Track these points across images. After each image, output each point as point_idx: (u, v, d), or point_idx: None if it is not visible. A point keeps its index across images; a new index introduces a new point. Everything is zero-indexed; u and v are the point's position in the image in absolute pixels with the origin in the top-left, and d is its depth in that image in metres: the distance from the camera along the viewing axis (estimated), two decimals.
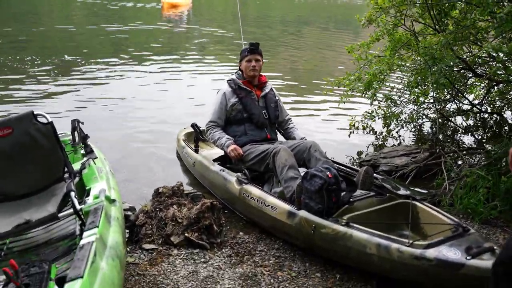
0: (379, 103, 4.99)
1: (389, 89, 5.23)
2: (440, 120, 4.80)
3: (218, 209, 2.92)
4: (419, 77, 4.25)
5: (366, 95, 4.54)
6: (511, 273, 1.32)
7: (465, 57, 4.13)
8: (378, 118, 5.05)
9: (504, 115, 4.99)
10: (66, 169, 2.53)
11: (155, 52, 10.04)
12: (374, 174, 2.89)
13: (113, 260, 1.77)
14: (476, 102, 5.00)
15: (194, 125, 3.90)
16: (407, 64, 4.49)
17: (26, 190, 2.49)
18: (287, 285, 2.46)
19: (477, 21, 3.72)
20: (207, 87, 6.95)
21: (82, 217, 2.13)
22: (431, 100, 4.88)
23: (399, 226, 2.60)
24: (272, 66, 9.07)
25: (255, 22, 17.77)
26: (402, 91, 5.06)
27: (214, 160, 3.61)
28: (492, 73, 3.89)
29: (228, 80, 3.50)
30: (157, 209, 2.93)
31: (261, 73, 3.51)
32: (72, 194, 2.23)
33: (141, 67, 8.52)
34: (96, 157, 2.74)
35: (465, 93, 4.89)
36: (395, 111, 4.87)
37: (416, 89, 4.68)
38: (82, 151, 2.93)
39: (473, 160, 4.05)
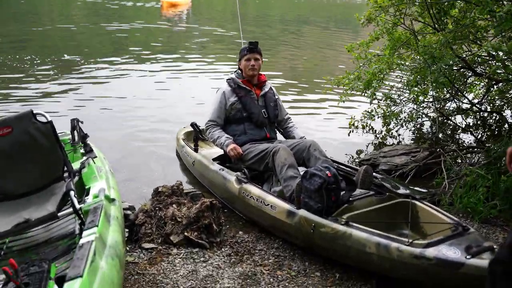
0: (378, 102, 4.99)
1: (389, 88, 5.23)
2: (439, 119, 4.79)
3: (218, 208, 2.92)
4: (418, 76, 4.24)
5: (366, 94, 4.55)
6: (510, 272, 1.30)
7: (464, 56, 4.12)
8: (378, 117, 5.04)
9: (504, 114, 4.97)
10: (65, 168, 2.54)
11: (154, 51, 10.03)
12: (374, 173, 2.89)
13: (112, 259, 1.77)
14: (475, 101, 4.99)
15: (193, 124, 3.89)
16: (407, 63, 4.49)
17: (26, 189, 2.49)
18: (286, 284, 2.46)
19: (477, 20, 3.70)
20: (207, 86, 6.94)
21: (82, 216, 2.13)
22: (431, 99, 4.87)
23: (398, 225, 2.60)
24: (272, 65, 9.06)
25: (255, 21, 17.78)
26: (401, 90, 5.05)
27: (214, 159, 3.61)
28: (491, 72, 3.88)
29: (227, 79, 3.50)
30: (157, 208, 2.93)
31: (260, 72, 3.50)
32: (72, 193, 2.24)
33: (141, 66, 8.51)
34: (96, 156, 2.74)
35: (465, 92, 4.88)
36: (394, 110, 4.86)
37: (416, 88, 4.67)
38: (82, 150, 2.93)
39: (472, 159, 4.05)
